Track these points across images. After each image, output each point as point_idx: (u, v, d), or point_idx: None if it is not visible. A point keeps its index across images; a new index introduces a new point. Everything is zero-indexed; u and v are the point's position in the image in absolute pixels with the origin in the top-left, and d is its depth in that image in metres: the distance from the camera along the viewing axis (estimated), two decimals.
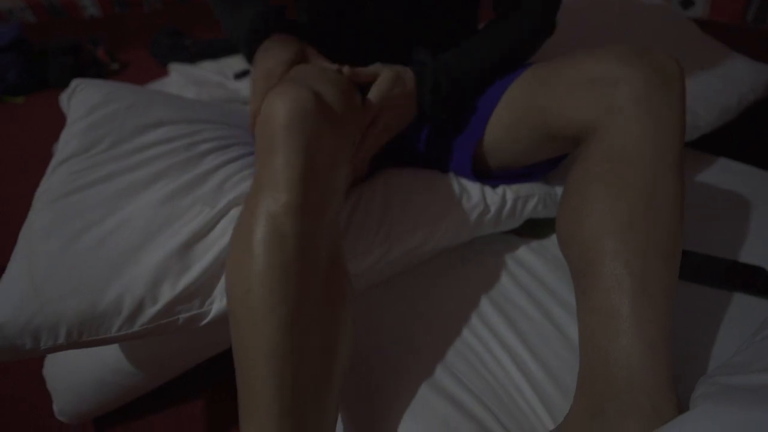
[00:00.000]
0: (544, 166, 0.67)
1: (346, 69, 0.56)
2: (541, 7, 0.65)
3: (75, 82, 0.78)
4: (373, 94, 0.57)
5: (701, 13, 1.09)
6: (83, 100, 0.75)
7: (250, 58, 0.63)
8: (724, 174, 0.84)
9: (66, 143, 0.69)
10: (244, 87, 1.17)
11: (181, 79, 1.23)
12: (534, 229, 0.72)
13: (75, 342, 0.47)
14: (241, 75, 1.25)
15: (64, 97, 0.81)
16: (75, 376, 0.67)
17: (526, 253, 0.68)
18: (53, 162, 0.67)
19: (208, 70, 1.32)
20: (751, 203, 0.74)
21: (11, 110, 1.84)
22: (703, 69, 0.85)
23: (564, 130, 0.54)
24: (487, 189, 0.66)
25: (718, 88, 0.82)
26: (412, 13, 0.65)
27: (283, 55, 0.57)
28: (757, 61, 0.90)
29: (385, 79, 0.58)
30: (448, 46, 0.64)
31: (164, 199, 0.56)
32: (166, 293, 0.48)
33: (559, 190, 0.70)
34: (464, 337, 0.55)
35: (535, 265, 0.65)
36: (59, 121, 1.23)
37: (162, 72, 1.79)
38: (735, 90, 0.83)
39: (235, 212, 0.55)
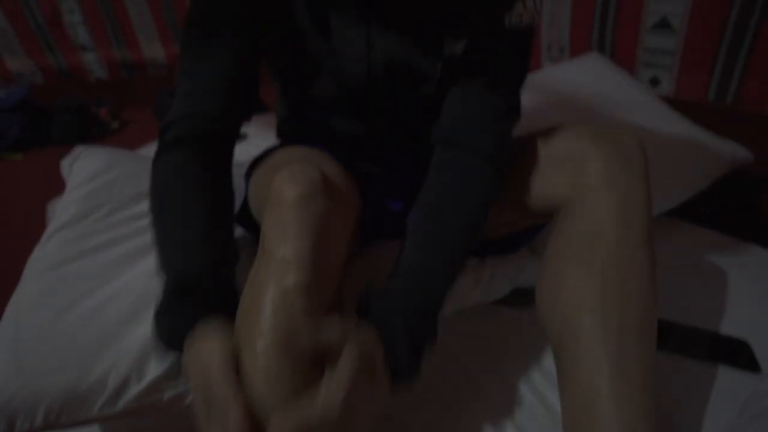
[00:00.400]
0: (526, 235, 0.70)
1: None
2: (492, 145, 0.56)
3: (78, 149, 0.81)
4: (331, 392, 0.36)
5: (667, 91, 1.18)
6: (85, 166, 0.78)
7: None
8: (699, 242, 0.88)
9: (64, 210, 0.71)
10: (238, 150, 1.21)
11: None
12: (521, 298, 0.74)
13: (52, 424, 0.45)
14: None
15: (65, 164, 0.84)
16: None
17: (511, 322, 0.69)
18: (50, 229, 0.69)
19: None
20: (725, 272, 0.77)
21: (8, 167, 1.87)
22: (672, 144, 0.91)
23: (537, 206, 0.58)
24: (474, 261, 0.68)
25: (688, 162, 0.88)
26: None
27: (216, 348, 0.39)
28: (721, 137, 0.97)
29: (344, 368, 0.37)
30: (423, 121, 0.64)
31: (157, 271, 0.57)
32: (153, 369, 0.48)
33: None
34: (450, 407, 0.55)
35: (520, 334, 0.66)
36: (55, 178, 1.25)
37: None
38: (703, 163, 0.89)
39: None
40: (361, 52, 0.57)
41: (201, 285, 0.45)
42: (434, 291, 0.50)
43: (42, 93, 2.13)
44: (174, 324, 0.43)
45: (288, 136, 0.73)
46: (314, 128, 0.66)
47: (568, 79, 1.15)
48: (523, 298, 0.73)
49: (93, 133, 2.09)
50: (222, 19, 0.54)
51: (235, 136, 0.60)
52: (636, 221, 0.49)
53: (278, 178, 0.45)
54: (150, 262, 0.60)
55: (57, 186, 1.26)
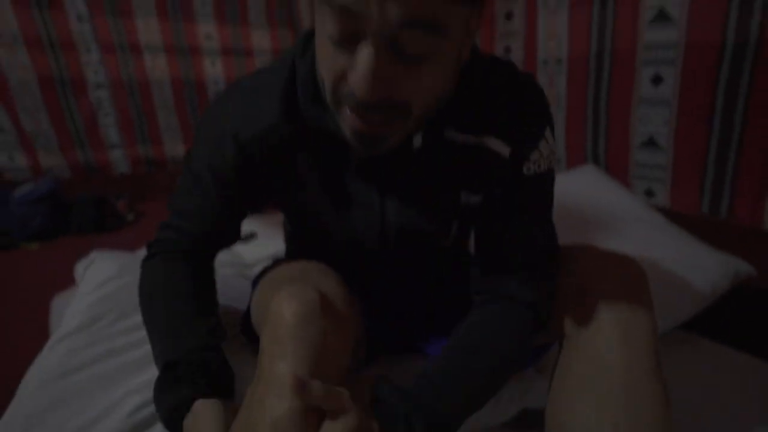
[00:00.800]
0: (532, 355, 0.68)
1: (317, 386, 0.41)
2: (533, 294, 0.55)
3: (94, 255, 0.84)
4: None
5: (662, 203, 1.23)
6: (98, 271, 0.80)
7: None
8: (715, 359, 0.85)
9: (72, 317, 0.71)
10: (246, 250, 1.25)
11: None
12: (528, 420, 0.70)
13: None
14: (245, 238, 1.34)
15: (80, 267, 0.86)
16: None
17: None
18: (55, 337, 0.69)
19: None
20: (741, 391, 0.74)
21: (24, 256, 1.91)
22: (675, 261, 0.93)
23: (542, 333, 0.57)
24: None
25: (692, 279, 0.89)
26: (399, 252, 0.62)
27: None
28: (722, 252, 0.98)
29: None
30: (436, 271, 0.66)
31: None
32: None
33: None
34: None
35: None
36: (67, 270, 1.28)
37: None
38: (707, 280, 0.89)
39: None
40: (374, 218, 0.57)
41: (190, 366, 0.49)
42: (446, 414, 0.47)
43: (67, 185, 2.25)
44: (169, 405, 0.46)
45: (295, 250, 0.75)
46: (323, 259, 0.66)
47: (567, 190, 1.21)
48: (530, 420, 0.70)
49: (109, 224, 2.17)
50: (213, 183, 0.57)
51: (216, 253, 0.65)
52: (642, 348, 0.49)
53: (277, 299, 0.47)
54: (148, 374, 0.60)
55: (67, 278, 1.28)
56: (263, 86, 0.55)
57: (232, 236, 0.64)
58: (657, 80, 1.16)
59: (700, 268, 0.91)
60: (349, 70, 0.40)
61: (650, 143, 1.21)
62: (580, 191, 1.21)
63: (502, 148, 0.54)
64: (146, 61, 2.35)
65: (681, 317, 0.84)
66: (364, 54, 0.38)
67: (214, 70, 2.57)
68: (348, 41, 0.39)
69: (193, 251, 0.61)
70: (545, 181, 0.57)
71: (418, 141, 0.51)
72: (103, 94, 2.27)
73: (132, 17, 2.27)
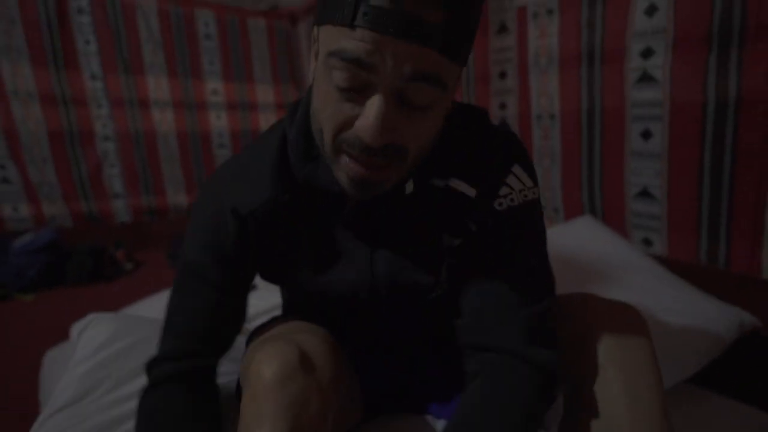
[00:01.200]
0: None
1: None
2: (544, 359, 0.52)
3: (90, 317, 0.82)
4: None
5: (660, 252, 1.25)
6: (93, 337, 0.78)
7: None
8: (719, 413, 0.83)
9: (63, 390, 0.69)
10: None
11: None
12: None
13: None
14: None
15: (75, 330, 0.84)
16: None
17: None
18: (45, 412, 0.67)
19: None
20: None
21: (18, 307, 1.88)
22: (678, 312, 0.93)
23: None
24: None
25: (697, 331, 0.88)
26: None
27: None
28: (725, 303, 0.99)
29: None
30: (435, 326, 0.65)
31: None
32: None
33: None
34: None
35: None
36: (62, 321, 1.26)
37: (169, 274, 1.90)
38: (713, 332, 0.89)
39: None
40: (364, 269, 0.57)
41: None
42: None
43: (67, 234, 2.26)
44: None
45: (290, 306, 0.75)
46: (317, 315, 0.67)
47: (566, 242, 1.23)
48: None
49: (107, 274, 2.15)
50: (213, 265, 0.57)
51: (217, 366, 0.62)
52: (648, 398, 0.49)
53: (258, 357, 0.47)
54: None
55: (60, 331, 1.26)
56: (255, 162, 0.57)
57: (236, 326, 0.62)
58: (646, 135, 1.21)
59: (704, 319, 0.91)
60: (356, 117, 0.43)
61: (644, 194, 1.25)
62: (579, 242, 1.22)
63: (467, 189, 0.55)
64: (154, 115, 2.44)
65: (687, 371, 0.83)
66: (375, 103, 0.41)
67: (219, 123, 2.67)
68: (356, 91, 0.42)
69: (193, 371, 0.57)
70: (525, 214, 0.56)
71: (410, 187, 0.53)
72: (110, 146, 2.34)
73: (144, 75, 2.38)
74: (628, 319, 0.55)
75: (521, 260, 0.55)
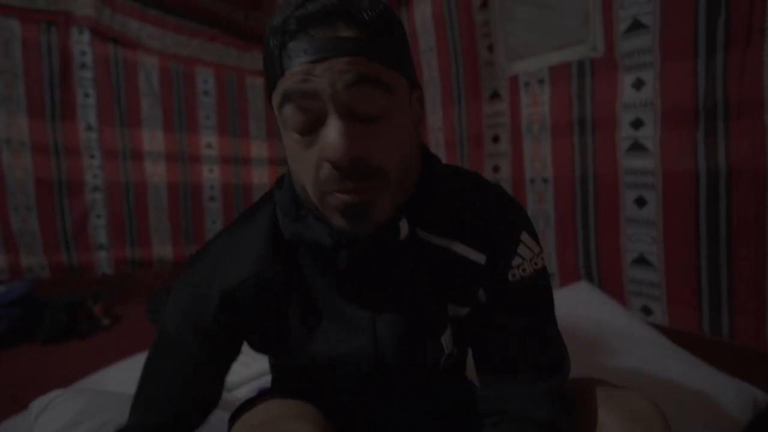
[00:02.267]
0: None
1: None
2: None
3: (53, 394, 0.74)
4: None
5: (661, 321, 1.22)
6: (54, 419, 0.70)
7: None
8: None
9: None
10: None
11: None
12: None
13: None
14: None
15: (34, 409, 0.75)
16: None
17: None
18: None
19: None
20: None
21: None
22: (689, 390, 0.88)
23: None
24: None
25: (710, 412, 0.83)
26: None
27: None
28: (736, 379, 0.94)
29: None
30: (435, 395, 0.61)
31: None
32: None
33: None
34: None
35: None
36: (26, 385, 1.15)
37: (149, 330, 1.80)
38: (726, 412, 0.84)
39: None
40: (366, 336, 0.54)
41: None
42: None
43: (44, 286, 2.15)
44: None
45: (280, 381, 0.69)
46: (311, 390, 0.61)
47: (564, 310, 1.19)
48: None
49: (82, 329, 2.03)
50: (191, 337, 0.55)
51: None
52: None
53: None
54: None
55: (23, 396, 1.15)
56: (245, 235, 0.56)
57: (210, 402, 0.60)
58: (641, 202, 1.22)
59: (715, 397, 0.86)
60: (320, 150, 0.45)
61: (641, 261, 1.24)
62: (578, 310, 1.19)
63: (476, 256, 0.54)
64: (146, 167, 2.43)
65: None
66: (331, 123, 0.44)
67: (212, 176, 2.67)
68: (314, 127, 0.45)
69: None
70: (535, 283, 0.56)
71: (404, 228, 0.51)
72: (98, 196, 2.30)
73: (139, 128, 2.40)
74: (641, 408, 0.51)
75: (539, 330, 0.55)
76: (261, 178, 2.87)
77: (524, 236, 0.55)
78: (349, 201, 0.45)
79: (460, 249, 0.54)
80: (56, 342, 1.93)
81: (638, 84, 1.19)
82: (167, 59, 2.46)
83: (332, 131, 0.43)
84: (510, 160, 1.58)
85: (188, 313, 0.55)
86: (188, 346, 0.55)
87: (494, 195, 0.57)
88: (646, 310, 1.25)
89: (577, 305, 1.24)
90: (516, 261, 0.54)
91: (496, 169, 1.63)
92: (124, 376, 1.14)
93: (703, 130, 1.08)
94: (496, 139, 1.62)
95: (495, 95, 1.59)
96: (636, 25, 1.17)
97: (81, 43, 2.18)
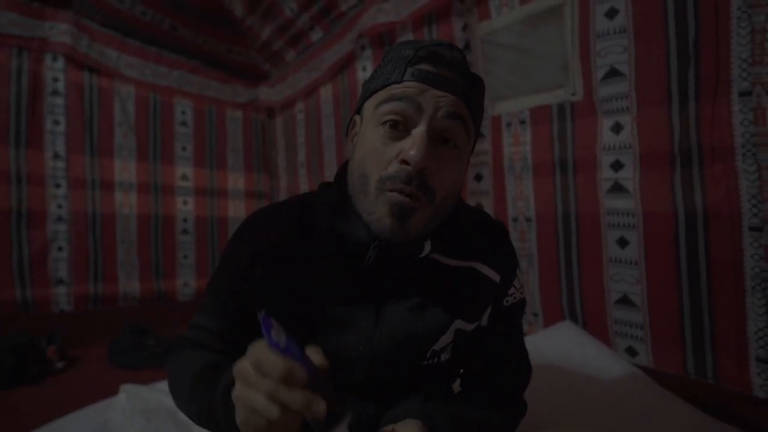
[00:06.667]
0: None
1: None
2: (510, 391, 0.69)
3: None
4: None
5: (646, 362, 1.21)
6: None
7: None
8: None
9: None
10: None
11: (129, 406, 1.13)
12: None
13: None
14: None
15: None
16: None
17: None
18: None
19: (164, 391, 1.24)
20: None
21: None
22: None
23: None
24: None
25: None
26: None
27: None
28: (722, 423, 0.93)
29: None
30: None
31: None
32: None
33: None
34: None
35: None
36: None
37: (110, 375, 1.67)
38: None
39: None
40: (368, 327, 0.61)
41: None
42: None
43: None
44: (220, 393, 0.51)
45: None
46: None
47: (549, 351, 1.17)
48: None
49: (32, 373, 1.86)
50: (234, 299, 0.65)
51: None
52: None
53: None
54: None
55: None
56: (279, 211, 0.66)
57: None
58: (623, 242, 1.24)
59: None
60: (398, 155, 0.55)
61: (625, 301, 1.24)
62: (563, 352, 1.17)
63: (493, 274, 0.65)
64: (116, 198, 2.33)
65: None
66: (419, 131, 0.55)
67: (186, 208, 2.58)
68: (402, 129, 0.55)
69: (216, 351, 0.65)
70: (521, 310, 0.70)
71: (428, 247, 0.60)
72: (62, 227, 2.17)
73: (111, 158, 2.32)
74: None
75: (518, 352, 0.72)
76: (237, 211, 2.79)
77: (518, 270, 0.69)
78: (400, 200, 0.54)
79: (481, 268, 0.64)
80: (2, 388, 1.75)
81: (617, 128, 1.23)
82: (145, 89, 2.42)
83: (419, 141, 0.53)
84: (493, 199, 1.59)
85: (230, 280, 0.65)
86: (228, 307, 0.65)
87: (501, 229, 0.70)
88: (631, 351, 1.24)
89: (561, 345, 1.22)
90: (511, 290, 0.67)
91: (478, 206, 1.64)
92: (78, 428, 1.03)
93: (679, 173, 1.12)
94: (478, 178, 1.64)
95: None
96: (613, 73, 1.22)
97: (54, 69, 2.12)
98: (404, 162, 0.54)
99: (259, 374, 0.42)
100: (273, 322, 0.43)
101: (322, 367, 0.44)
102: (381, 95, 0.57)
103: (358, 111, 0.64)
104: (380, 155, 0.55)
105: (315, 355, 0.45)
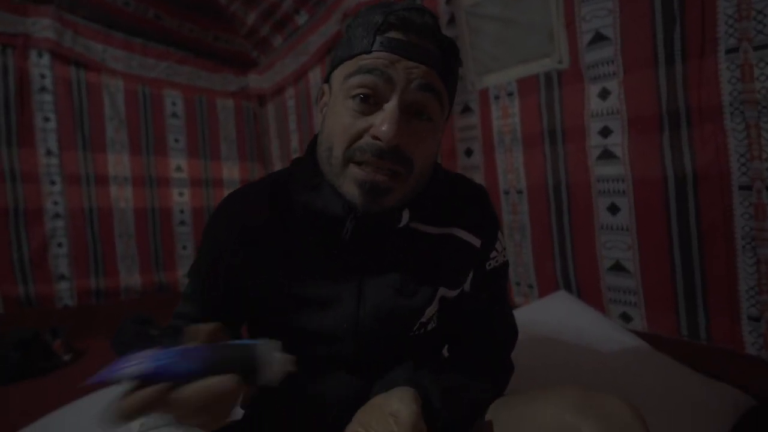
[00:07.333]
0: None
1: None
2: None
3: None
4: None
5: (641, 327, 1.21)
6: None
7: None
8: None
9: None
10: None
11: None
12: None
13: None
14: None
15: None
16: None
17: None
18: None
19: None
20: None
21: None
22: (672, 398, 0.87)
23: None
24: None
25: (694, 417, 0.82)
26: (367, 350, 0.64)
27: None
28: (717, 383, 0.94)
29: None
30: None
31: None
32: None
33: None
34: None
35: None
36: None
37: None
38: (709, 416, 0.83)
39: None
40: (351, 303, 0.60)
41: None
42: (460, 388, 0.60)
43: None
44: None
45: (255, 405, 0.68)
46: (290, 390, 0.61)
47: (545, 320, 1.18)
48: None
49: (39, 367, 1.89)
50: (221, 272, 0.64)
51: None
52: None
53: None
54: None
55: None
56: (254, 191, 0.65)
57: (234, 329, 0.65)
58: (614, 209, 1.23)
59: (699, 402, 0.86)
60: (367, 129, 0.53)
61: (618, 267, 1.24)
62: (558, 320, 1.18)
63: (473, 239, 0.64)
64: (112, 192, 2.34)
65: None
66: (390, 107, 0.52)
67: (181, 200, 2.58)
68: (372, 104, 0.53)
69: None
70: (503, 273, 0.69)
71: (405, 217, 0.58)
72: (59, 223, 2.18)
73: (104, 152, 2.31)
74: (618, 412, 0.49)
75: (503, 315, 0.71)
76: None
77: (498, 233, 0.68)
78: (371, 178, 0.53)
79: (460, 233, 0.63)
80: (8, 383, 1.78)
81: (604, 94, 1.22)
82: (133, 81, 2.40)
83: (390, 117, 0.51)
84: (483, 173, 1.58)
85: (215, 251, 0.64)
86: (215, 281, 0.63)
87: (480, 193, 0.68)
88: (626, 317, 1.24)
89: (556, 315, 1.23)
90: (493, 253, 0.66)
91: None
92: (85, 414, 1.05)
93: (668, 136, 1.10)
94: (468, 153, 1.63)
95: (466, 109, 1.60)
96: (598, 38, 1.20)
97: (40, 66, 2.10)
98: (376, 138, 0.52)
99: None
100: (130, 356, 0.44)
101: (209, 336, 0.45)
102: (349, 65, 0.54)
103: (327, 80, 0.60)
104: (349, 129, 0.53)
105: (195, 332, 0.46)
